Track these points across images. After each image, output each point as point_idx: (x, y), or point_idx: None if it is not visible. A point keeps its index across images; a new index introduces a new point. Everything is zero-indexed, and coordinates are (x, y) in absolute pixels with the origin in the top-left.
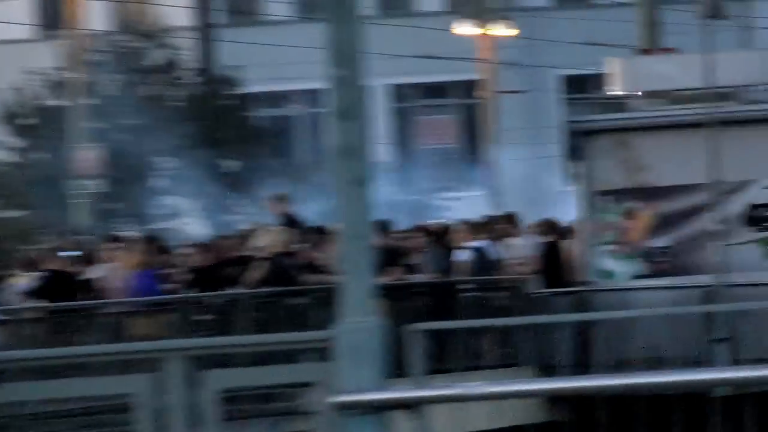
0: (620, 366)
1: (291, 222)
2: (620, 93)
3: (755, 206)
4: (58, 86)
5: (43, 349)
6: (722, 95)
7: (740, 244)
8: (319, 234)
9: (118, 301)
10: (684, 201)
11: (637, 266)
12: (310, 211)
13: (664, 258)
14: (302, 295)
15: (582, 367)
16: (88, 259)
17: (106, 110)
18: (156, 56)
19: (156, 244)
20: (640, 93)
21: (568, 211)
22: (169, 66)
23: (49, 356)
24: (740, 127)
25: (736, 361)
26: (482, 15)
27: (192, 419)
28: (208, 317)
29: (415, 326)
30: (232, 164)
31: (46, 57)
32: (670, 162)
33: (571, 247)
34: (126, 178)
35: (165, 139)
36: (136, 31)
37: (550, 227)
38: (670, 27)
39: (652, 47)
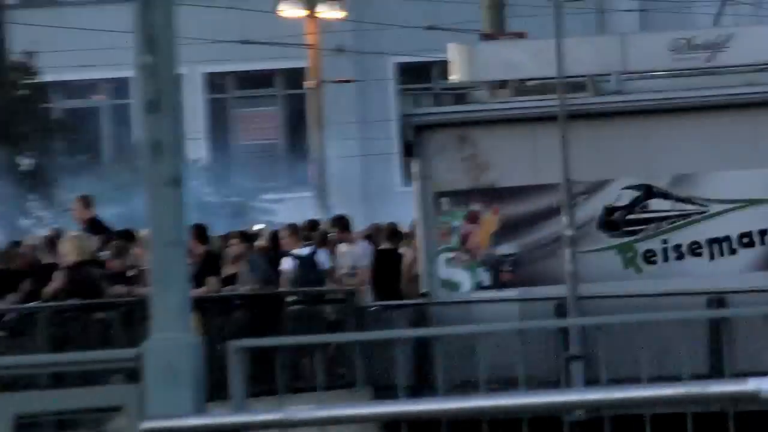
0: (465, 387)
1: (96, 227)
2: (462, 83)
3: (613, 209)
4: None
5: None
6: (575, 85)
7: (596, 251)
8: (127, 240)
9: None
10: (533, 203)
11: (482, 276)
12: (118, 214)
13: (511, 267)
14: (108, 308)
15: (422, 389)
16: None
17: None
18: None
19: None
20: (484, 83)
21: (406, 214)
22: None
23: None
24: (595, 121)
25: (592, 381)
26: None
27: None
28: (0, 334)
29: (235, 343)
30: (29, 162)
31: None
32: (517, 160)
33: (409, 255)
34: None
35: None
36: None
37: (385, 232)
38: (518, 9)
39: (497, 32)
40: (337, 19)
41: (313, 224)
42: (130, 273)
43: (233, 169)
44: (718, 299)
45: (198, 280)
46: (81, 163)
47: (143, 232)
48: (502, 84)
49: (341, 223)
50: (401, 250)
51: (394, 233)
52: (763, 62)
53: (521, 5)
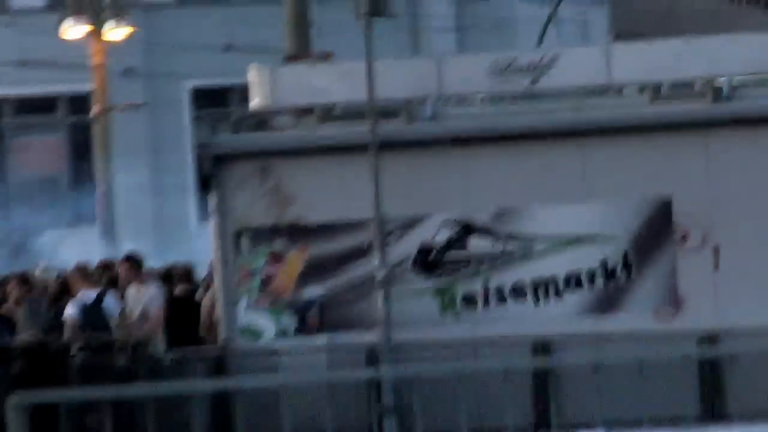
0: None
1: None
2: (264, 109)
3: (429, 248)
4: None
5: None
6: (388, 112)
7: (412, 294)
8: None
9: None
10: (342, 241)
11: (287, 321)
12: None
13: (319, 311)
14: None
15: None
16: None
17: None
18: None
19: None
20: (288, 108)
21: (203, 252)
22: None
23: None
24: (410, 151)
25: None
26: (94, 13)
27: None
28: None
29: (13, 398)
30: None
31: None
32: (324, 194)
33: (207, 299)
34: None
35: None
36: None
37: (180, 273)
38: (325, 28)
39: (302, 53)
40: (125, 38)
41: (104, 265)
42: None
43: (11, 203)
44: (543, 346)
45: None
46: None
47: None
48: (308, 110)
49: (132, 262)
50: (198, 293)
51: (189, 274)
52: (591, 85)
53: (328, 23)
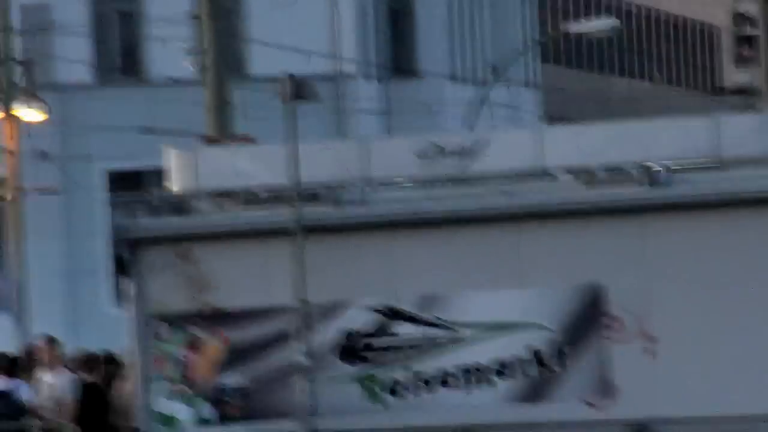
0: None
1: None
2: (183, 192)
3: (353, 335)
4: None
5: None
6: (312, 196)
7: (336, 382)
8: None
9: None
10: (262, 328)
11: (205, 410)
12: None
13: (239, 399)
14: None
15: None
16: None
17: None
18: None
19: None
20: (207, 192)
21: (117, 339)
22: None
23: None
24: (334, 236)
25: None
26: (7, 96)
27: None
28: None
29: None
30: None
31: None
32: (245, 279)
33: (121, 386)
34: None
35: None
36: None
37: (94, 361)
38: (247, 110)
39: (223, 135)
40: (39, 121)
41: (14, 354)
42: None
43: None
44: None
45: None
46: None
47: None
48: (229, 194)
49: (44, 351)
50: (112, 381)
51: (103, 361)
52: (522, 170)
53: (250, 106)
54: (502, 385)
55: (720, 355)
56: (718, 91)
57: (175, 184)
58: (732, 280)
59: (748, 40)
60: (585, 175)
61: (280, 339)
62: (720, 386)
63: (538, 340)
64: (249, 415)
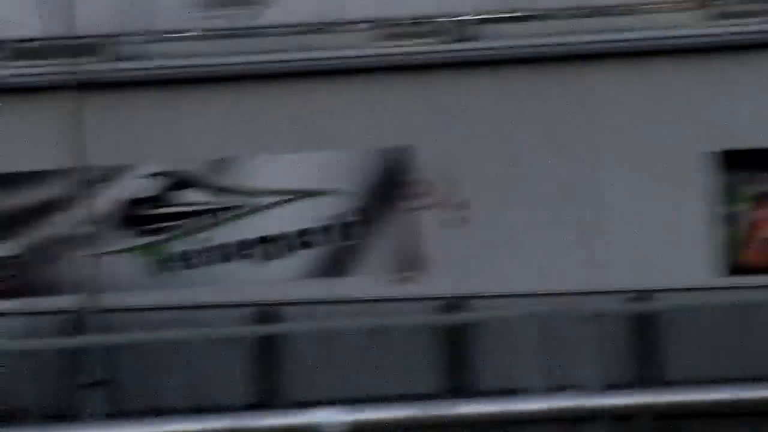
0: None
1: None
2: None
3: (135, 202)
4: None
5: None
6: (88, 48)
7: (116, 253)
8: None
9: None
10: (32, 194)
11: None
12: None
13: (10, 273)
14: None
15: None
16: None
17: None
18: None
19: None
20: None
21: None
22: None
23: None
24: (112, 92)
25: (117, 413)
26: None
27: None
28: None
29: None
30: None
31: None
32: (13, 140)
33: None
34: None
35: None
36: None
37: None
38: None
39: None
40: None
41: None
42: None
43: None
44: (264, 312)
45: None
46: None
47: None
48: None
49: None
50: None
51: None
52: (319, 22)
53: None
54: (302, 257)
55: (534, 223)
56: None
57: None
58: (547, 142)
59: None
60: (386, 27)
61: (52, 206)
62: (532, 259)
63: (338, 209)
64: (21, 290)
